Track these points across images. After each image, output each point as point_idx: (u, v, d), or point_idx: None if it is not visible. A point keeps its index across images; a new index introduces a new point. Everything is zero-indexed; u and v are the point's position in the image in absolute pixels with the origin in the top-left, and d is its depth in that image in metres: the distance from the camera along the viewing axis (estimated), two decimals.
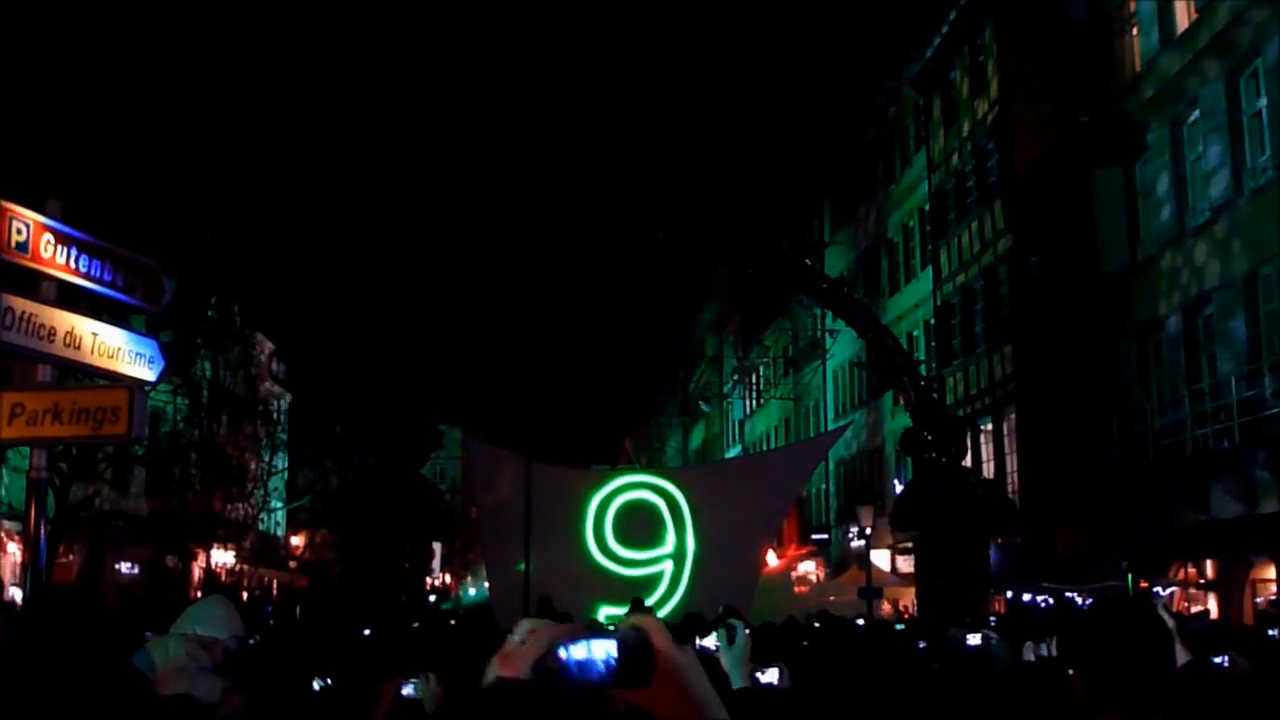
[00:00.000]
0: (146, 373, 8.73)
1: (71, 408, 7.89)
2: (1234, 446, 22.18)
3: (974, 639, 7.97)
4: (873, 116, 43.47)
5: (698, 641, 6.89)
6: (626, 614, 18.79)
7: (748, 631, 4.45)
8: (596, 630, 1.59)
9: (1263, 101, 22.53)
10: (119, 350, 8.40)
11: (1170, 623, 5.33)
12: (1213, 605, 23.55)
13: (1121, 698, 3.12)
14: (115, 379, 8.34)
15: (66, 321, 7.99)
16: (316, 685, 5.50)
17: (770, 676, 4.69)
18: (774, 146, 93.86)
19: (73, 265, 8.01)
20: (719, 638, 4.35)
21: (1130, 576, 22.25)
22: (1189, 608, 23.87)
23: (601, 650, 1.55)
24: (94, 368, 8.25)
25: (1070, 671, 3.42)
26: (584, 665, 1.54)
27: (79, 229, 8.14)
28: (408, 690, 4.75)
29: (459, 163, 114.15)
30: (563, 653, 1.55)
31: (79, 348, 8.05)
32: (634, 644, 1.57)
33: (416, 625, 13.32)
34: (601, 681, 1.54)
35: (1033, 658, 8.50)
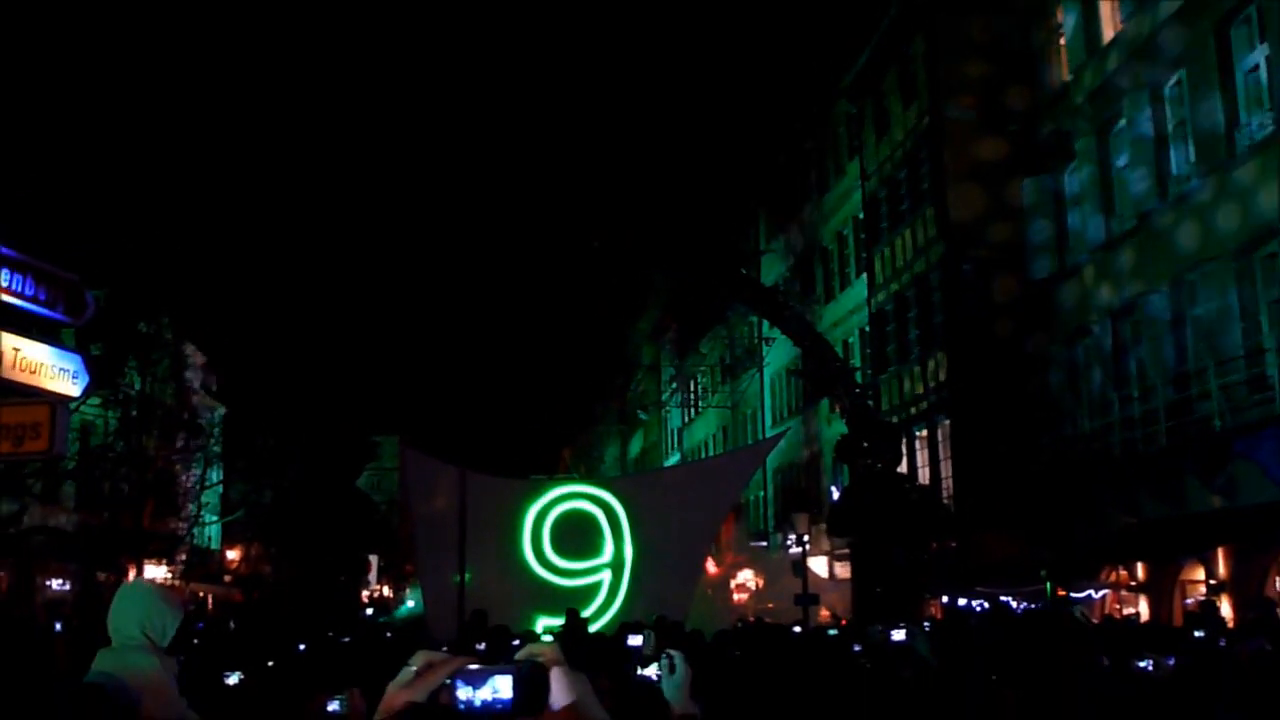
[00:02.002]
0: (70, 388, 8.60)
1: None
2: (1162, 450, 22.48)
3: (898, 635, 8.04)
4: (806, 125, 43.72)
5: (639, 670, 6.91)
6: (563, 625, 18.79)
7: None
8: (491, 664, 1.60)
9: (1186, 111, 22.91)
10: (41, 366, 8.26)
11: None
12: (1143, 607, 23.86)
13: (1050, 709, 3.16)
14: (37, 395, 8.21)
15: None
16: (233, 680, 5.44)
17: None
18: (709, 156, 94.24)
19: None
20: (660, 667, 4.38)
21: (1049, 585, 22.47)
22: (1120, 610, 24.15)
23: (497, 683, 1.56)
24: (14, 384, 8.11)
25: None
26: (480, 697, 1.55)
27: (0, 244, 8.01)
28: (332, 706, 4.71)
29: (395, 174, 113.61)
30: (459, 686, 1.56)
31: None
32: (528, 675, 1.58)
33: (348, 640, 13.19)
34: (499, 710, 1.55)
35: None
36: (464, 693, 1.56)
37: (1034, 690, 3.16)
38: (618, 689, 5.16)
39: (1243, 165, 20.94)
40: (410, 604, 58.81)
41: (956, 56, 31.20)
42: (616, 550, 23.31)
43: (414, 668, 1.63)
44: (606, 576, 23.22)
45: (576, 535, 23.44)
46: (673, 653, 4.41)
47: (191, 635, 15.59)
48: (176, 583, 46.57)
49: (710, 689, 4.90)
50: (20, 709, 3.87)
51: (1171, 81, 23.43)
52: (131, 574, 39.37)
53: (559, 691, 1.61)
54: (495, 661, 1.64)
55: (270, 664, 8.36)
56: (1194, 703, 5.63)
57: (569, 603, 21.56)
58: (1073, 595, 22.57)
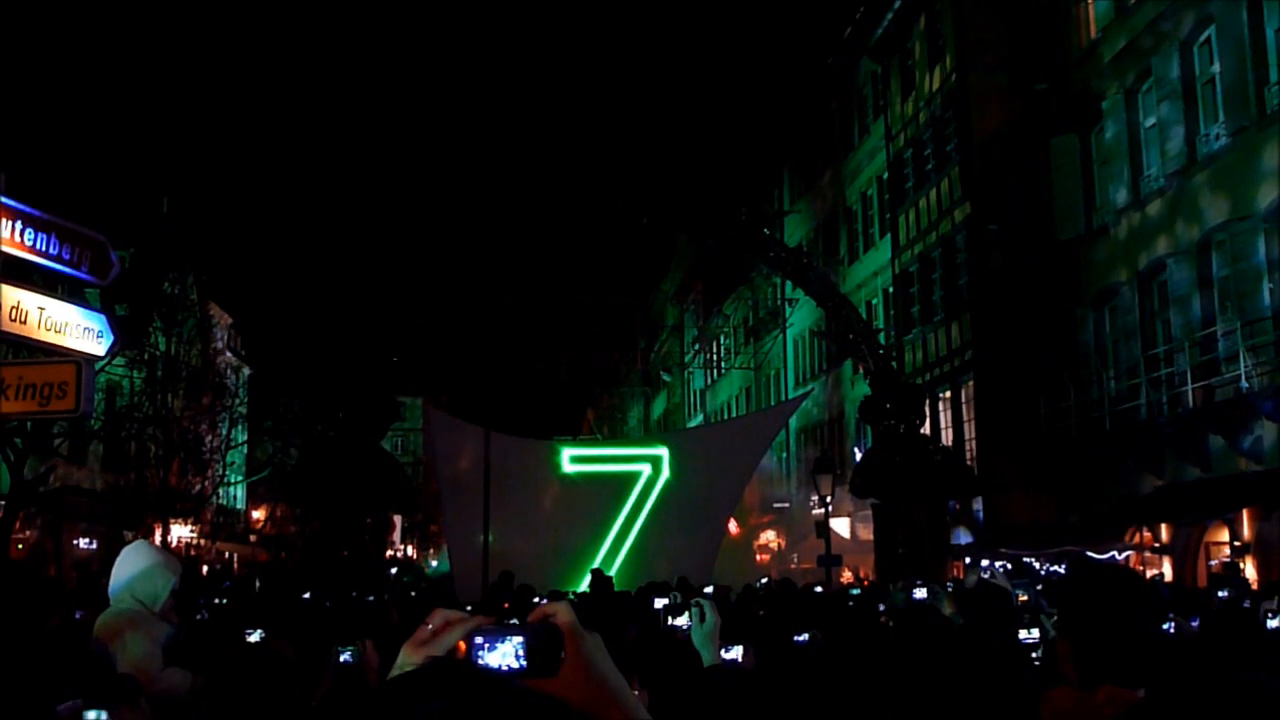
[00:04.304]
0: (96, 347, 8.63)
1: (18, 383, 7.79)
2: (1188, 412, 22.39)
3: (920, 593, 8.04)
4: (831, 85, 43.46)
5: (670, 620, 6.95)
6: (589, 583, 18.90)
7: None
8: (507, 622, 1.61)
9: (1215, 68, 22.67)
10: (67, 325, 8.29)
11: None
12: (1167, 569, 23.84)
13: (1118, 666, 3.13)
14: (63, 354, 8.24)
15: (12, 296, 7.88)
16: (254, 637, 5.47)
17: (734, 654, 4.73)
18: (733, 116, 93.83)
19: (18, 239, 7.90)
20: (691, 617, 4.40)
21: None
22: (1144, 572, 24.15)
23: (512, 642, 1.57)
24: (41, 343, 8.14)
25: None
26: (494, 656, 1.56)
27: (26, 203, 8.03)
28: (344, 656, 4.76)
29: (416, 132, 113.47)
30: (475, 644, 1.57)
31: (25, 322, 7.95)
32: (543, 634, 1.59)
33: (373, 598, 13.29)
34: (512, 672, 1.56)
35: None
36: (480, 648, 1.57)
37: (1105, 650, 3.14)
38: (645, 641, 5.17)
39: (1272, 124, 20.72)
40: (434, 563, 59.25)
41: (983, 15, 30.93)
42: (635, 506, 23.49)
43: (430, 626, 1.64)
44: (629, 537, 23.40)
45: (600, 494, 23.63)
46: (702, 601, 4.44)
47: (215, 594, 15.73)
48: (203, 542, 46.98)
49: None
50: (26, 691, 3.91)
51: (1200, 40, 23.18)
52: (158, 533, 39.73)
53: (573, 653, 1.61)
54: (506, 622, 1.65)
55: (293, 621, 8.40)
56: (1218, 664, 5.61)
57: (591, 562, 21.74)
58: (1091, 555, 22.55)
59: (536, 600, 12.51)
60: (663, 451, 25.04)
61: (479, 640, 1.56)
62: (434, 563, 61.39)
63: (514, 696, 1.49)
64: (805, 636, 7.09)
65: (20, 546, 34.64)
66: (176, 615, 5.52)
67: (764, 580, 22.51)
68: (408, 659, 1.60)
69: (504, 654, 1.55)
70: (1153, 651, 3.17)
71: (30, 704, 3.80)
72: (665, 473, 23.98)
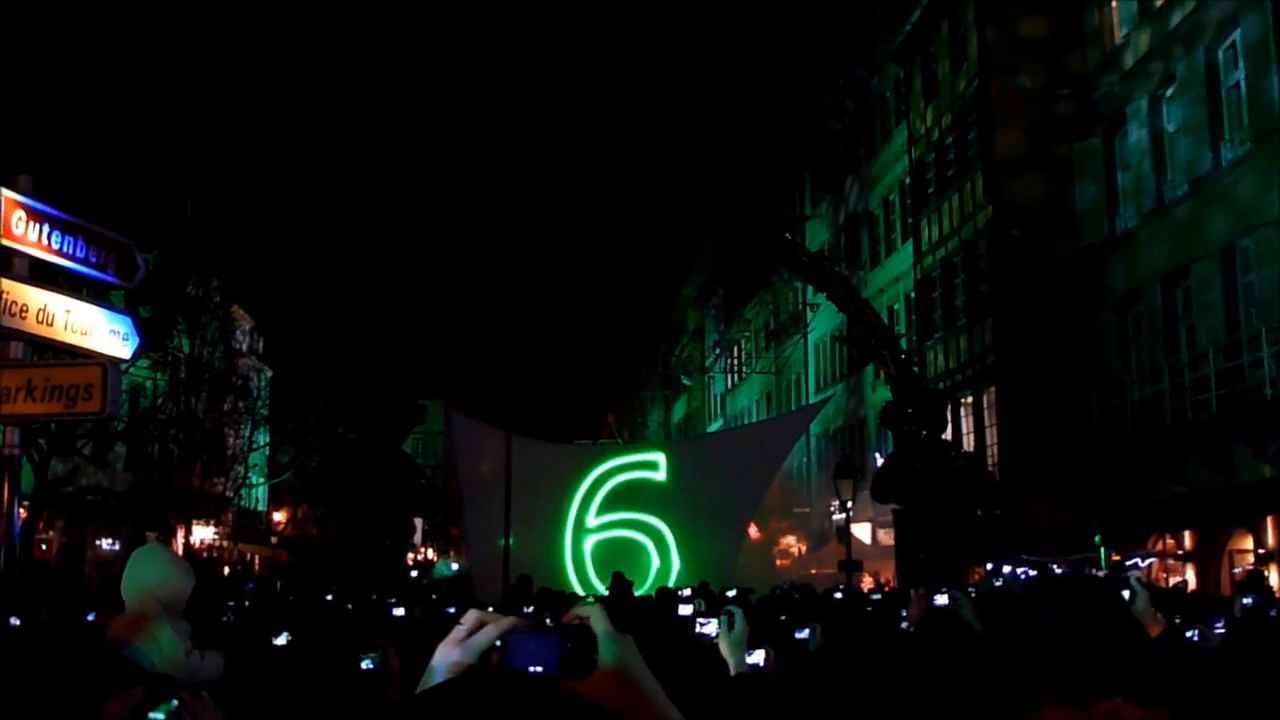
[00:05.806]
0: (121, 349, 8.66)
1: (44, 385, 7.81)
2: (1212, 418, 22.27)
3: (941, 599, 7.99)
4: (854, 90, 43.41)
5: (698, 627, 6.96)
6: (608, 588, 18.91)
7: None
8: (540, 624, 1.61)
9: (1240, 73, 22.57)
10: (93, 327, 8.32)
11: (1144, 595, 5.34)
12: (1191, 576, 23.70)
13: (1078, 678, 3.08)
14: (89, 356, 8.27)
15: (39, 299, 7.91)
16: (281, 640, 5.49)
17: (757, 658, 4.72)
18: (755, 120, 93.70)
19: (44, 242, 7.93)
20: (719, 624, 4.40)
21: (1103, 550, 22.34)
22: (1167, 579, 24.02)
23: (547, 643, 1.57)
24: (67, 345, 8.17)
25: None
26: (528, 658, 1.56)
27: (51, 205, 8.07)
28: (365, 664, 4.77)
29: (439, 137, 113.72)
30: (510, 645, 1.57)
31: (51, 325, 7.98)
32: (576, 638, 1.59)
33: (393, 600, 13.32)
34: (546, 674, 1.56)
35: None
36: (514, 649, 1.57)
37: (1066, 662, 3.09)
38: (668, 648, 5.18)
39: None
40: (455, 565, 59.32)
41: (1007, 19, 30.84)
42: (660, 513, 23.47)
43: (465, 627, 1.64)
44: (649, 541, 23.39)
45: (621, 500, 23.63)
46: (732, 609, 4.43)
47: (239, 596, 15.80)
48: (225, 543, 47.18)
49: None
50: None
51: (1224, 44, 23.09)
52: (180, 535, 39.93)
53: (606, 654, 1.62)
54: (541, 624, 1.65)
55: (315, 624, 8.46)
56: (1244, 671, 5.59)
57: (612, 566, 21.74)
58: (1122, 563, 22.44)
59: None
60: (682, 454, 25.02)
61: (514, 641, 1.56)
62: (454, 565, 61.38)
63: (551, 698, 1.50)
64: (806, 633, 7.07)
65: (45, 548, 34.87)
66: (186, 621, 5.56)
67: (786, 585, 22.49)
68: (444, 658, 1.60)
69: (538, 655, 1.55)
70: (1120, 664, 3.12)
71: (37, 706, 3.81)
72: (685, 477, 23.96)
